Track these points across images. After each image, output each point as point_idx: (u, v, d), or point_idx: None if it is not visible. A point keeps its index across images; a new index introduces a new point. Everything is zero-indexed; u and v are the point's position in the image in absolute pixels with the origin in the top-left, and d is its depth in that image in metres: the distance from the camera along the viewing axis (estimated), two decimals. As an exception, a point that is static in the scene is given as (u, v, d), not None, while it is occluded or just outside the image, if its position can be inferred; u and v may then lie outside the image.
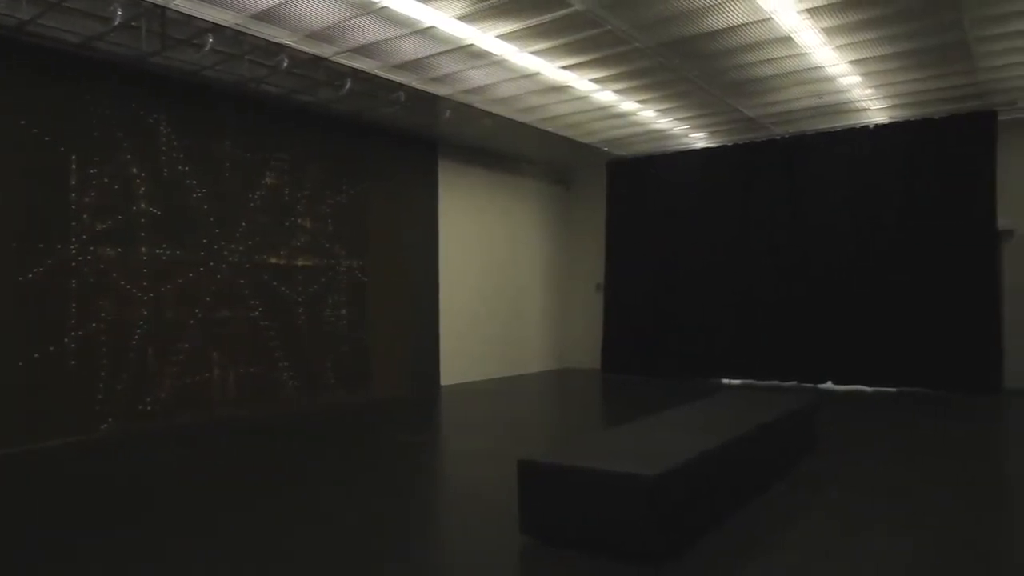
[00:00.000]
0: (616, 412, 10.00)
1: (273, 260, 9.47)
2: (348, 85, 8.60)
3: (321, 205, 10.09)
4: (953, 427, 8.27)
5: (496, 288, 13.28)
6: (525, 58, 8.27)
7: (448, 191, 12.19)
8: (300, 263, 9.79)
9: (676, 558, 3.94)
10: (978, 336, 10.47)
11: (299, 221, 9.81)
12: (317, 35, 7.46)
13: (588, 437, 5.42)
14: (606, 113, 10.74)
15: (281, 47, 7.64)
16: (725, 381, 12.41)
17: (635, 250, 13.63)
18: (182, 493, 5.58)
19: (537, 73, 8.80)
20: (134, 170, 8.09)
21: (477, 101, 9.87)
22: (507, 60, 8.32)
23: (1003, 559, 4.10)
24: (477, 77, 8.92)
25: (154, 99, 8.28)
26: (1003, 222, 10.56)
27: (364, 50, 7.90)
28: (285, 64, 7.89)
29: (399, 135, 11.18)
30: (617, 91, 9.65)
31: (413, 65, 8.42)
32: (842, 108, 10.63)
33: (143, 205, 8.16)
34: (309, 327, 9.86)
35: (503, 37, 7.65)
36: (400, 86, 8.98)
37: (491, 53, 8.08)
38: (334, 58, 8.04)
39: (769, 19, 7.30)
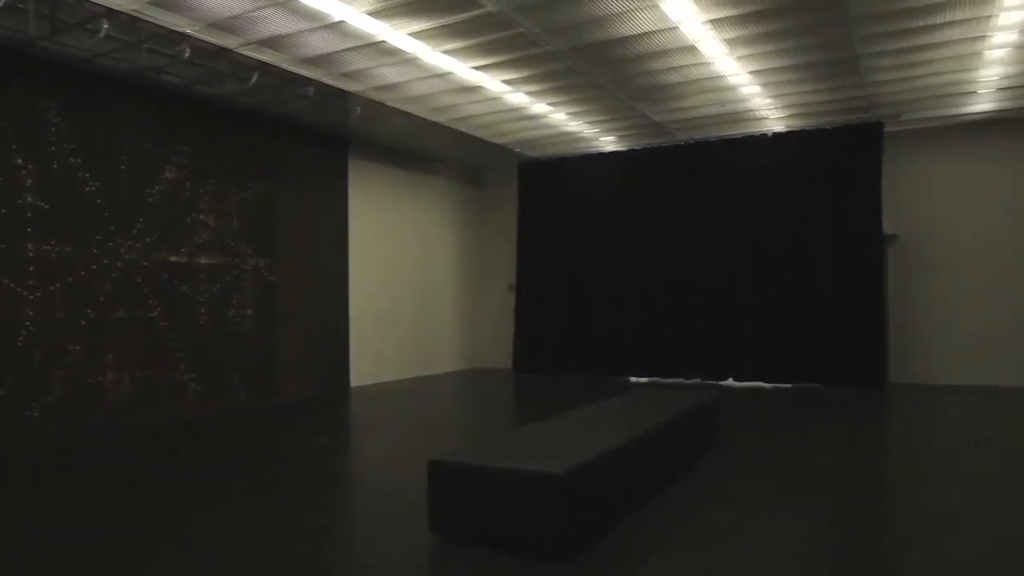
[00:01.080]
0: (527, 411, 10.10)
1: (173, 258, 9.09)
2: (255, 78, 8.36)
3: (225, 201, 9.76)
4: (843, 420, 8.75)
5: (408, 288, 13.18)
6: (437, 57, 8.25)
7: (359, 189, 12.01)
8: (203, 261, 9.44)
9: (586, 554, 4.02)
10: (866, 334, 11.13)
11: (201, 217, 9.46)
12: (221, 25, 7.21)
13: (499, 436, 5.45)
14: (518, 114, 10.83)
15: (183, 36, 7.34)
16: (633, 379, 12.73)
17: (546, 251, 13.82)
18: (68, 505, 5.28)
19: (449, 73, 8.79)
20: (19, 161, 7.61)
21: (389, 99, 9.77)
22: (419, 58, 8.27)
23: (885, 540, 4.38)
24: (389, 74, 8.83)
25: (44, 87, 7.81)
26: (888, 227, 11.26)
27: (271, 43, 7.70)
28: (187, 54, 7.60)
29: (308, 131, 10.94)
30: (529, 93, 9.75)
31: (323, 60, 8.26)
32: (743, 116, 11.08)
33: (30, 199, 7.69)
34: (212, 328, 9.52)
35: (415, 35, 7.60)
36: (309, 81, 8.80)
37: (403, 51, 8.02)
38: (239, 50, 7.79)
39: (675, 28, 7.53)
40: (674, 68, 8.80)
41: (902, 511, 5.09)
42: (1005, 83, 9.48)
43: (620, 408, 6.19)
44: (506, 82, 9.25)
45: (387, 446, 7.46)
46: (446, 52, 8.11)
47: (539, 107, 10.45)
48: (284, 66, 8.34)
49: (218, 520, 4.82)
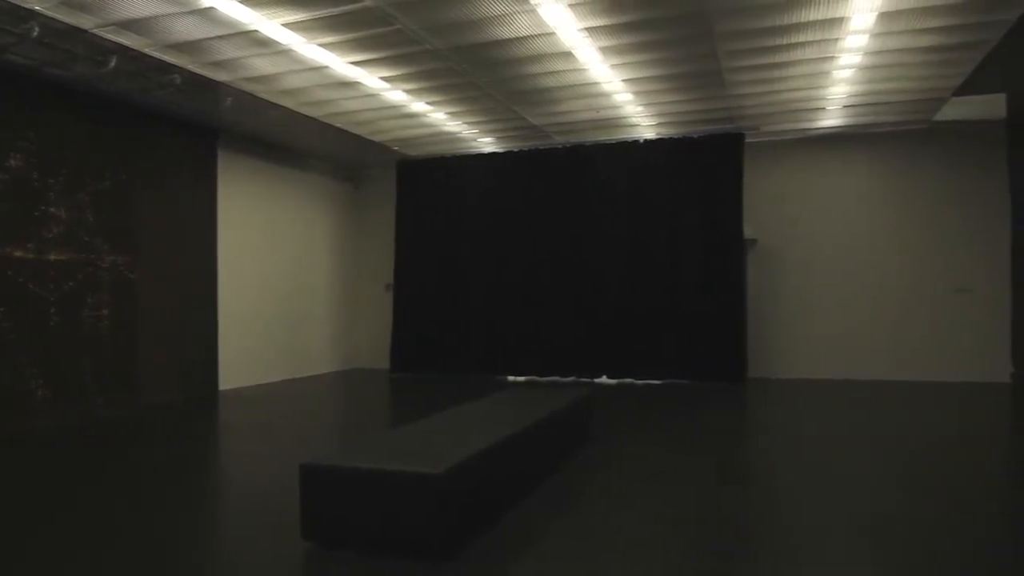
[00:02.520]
0: (404, 412, 10.02)
1: (19, 253, 8.37)
2: (113, 62, 7.84)
3: (79, 193, 9.08)
4: (706, 413, 9.24)
5: (281, 287, 12.76)
6: (313, 50, 8.03)
7: (229, 184, 11.51)
8: (52, 257, 8.75)
9: (461, 553, 4.04)
10: (728, 333, 11.79)
11: (51, 210, 8.76)
12: (74, 3, 6.71)
13: (373, 437, 5.38)
14: (397, 112, 10.72)
15: (31, 13, 6.78)
16: (511, 378, 12.90)
17: (425, 250, 13.75)
18: None
19: (326, 67, 8.58)
20: None
21: (261, 91, 9.42)
22: (294, 50, 8.03)
23: (744, 524, 4.66)
24: (261, 65, 8.51)
25: None
26: (748, 232, 11.98)
27: (133, 25, 7.24)
28: (36, 32, 7.02)
29: (174, 121, 10.37)
30: (408, 91, 9.68)
31: (190, 47, 7.85)
32: (617, 122, 11.46)
33: None
34: (64, 330, 8.84)
35: (289, 26, 7.37)
36: (175, 68, 8.34)
37: (276, 41, 7.75)
38: (96, 31, 7.28)
39: (552, 34, 7.69)
40: (551, 73, 8.99)
41: (759, 496, 5.43)
42: (851, 101, 10.31)
43: (495, 407, 6.26)
44: (384, 79, 9.13)
45: (256, 451, 7.19)
46: (322, 45, 7.91)
47: (418, 106, 10.39)
48: (148, 51, 7.86)
49: (66, 536, 4.48)
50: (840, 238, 12.09)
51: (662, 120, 11.37)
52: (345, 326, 14.60)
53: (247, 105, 9.79)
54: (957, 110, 10.75)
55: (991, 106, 10.74)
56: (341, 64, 8.50)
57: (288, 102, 9.96)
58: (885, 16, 7.30)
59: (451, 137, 12.39)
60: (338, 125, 11.19)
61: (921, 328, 11.64)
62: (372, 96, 9.82)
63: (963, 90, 9.80)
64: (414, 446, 4.58)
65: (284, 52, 8.07)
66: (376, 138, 12.22)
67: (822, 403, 9.90)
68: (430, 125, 11.53)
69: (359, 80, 9.11)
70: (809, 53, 8.36)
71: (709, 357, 11.87)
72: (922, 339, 11.63)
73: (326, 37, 7.69)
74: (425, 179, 13.83)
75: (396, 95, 9.82)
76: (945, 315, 11.54)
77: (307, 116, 10.58)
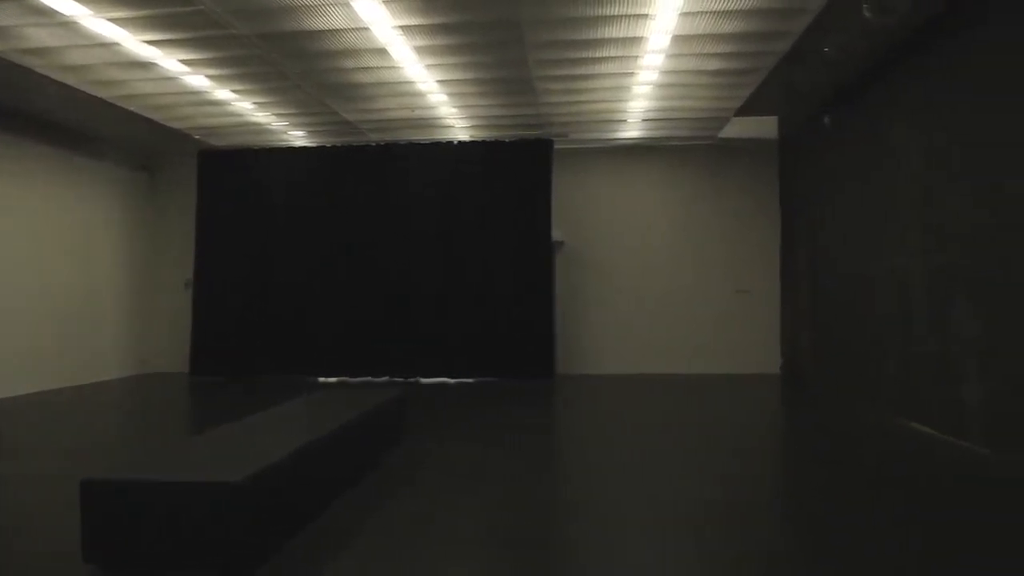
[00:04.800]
0: (202, 418, 9.42)
1: None
2: None
3: None
4: (516, 409, 9.55)
5: (62, 283, 11.49)
6: (101, 24, 7.34)
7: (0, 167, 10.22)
8: None
9: (265, 564, 3.86)
10: (537, 331, 12.24)
11: None
12: None
13: (165, 447, 5.01)
14: (198, 99, 10.06)
15: None
16: (322, 380, 12.52)
17: (229, 246, 12.97)
18: None
19: (116, 43, 7.87)
20: None
21: (39, 65, 8.45)
22: (78, 23, 7.28)
23: (556, 513, 4.87)
24: (40, 37, 7.64)
25: None
26: (556, 234, 12.51)
27: None
28: None
29: (-75, 93, 9.05)
30: (211, 77, 9.12)
31: (-54, 10, 6.89)
32: (432, 123, 11.51)
33: None
34: None
35: (73, -3, 6.69)
36: (-73, 32, 7.28)
37: (58, 11, 6.99)
38: None
39: (367, 29, 7.58)
40: (365, 68, 8.85)
41: (566, 485, 5.70)
42: (648, 115, 11.08)
43: (303, 410, 6.07)
44: (184, 62, 8.53)
45: (28, 469, 6.43)
46: (112, 20, 7.25)
47: (222, 93, 9.82)
48: None
49: None
50: (638, 242, 12.97)
51: (476, 123, 11.57)
52: (139, 326, 13.43)
53: (21, 80, 8.75)
54: (738, 129, 11.91)
55: (765, 127, 12.05)
56: (134, 42, 7.83)
57: (71, 79, 9.00)
58: (678, 39, 7.92)
59: (259, 128, 11.82)
60: (131, 108, 10.29)
61: (707, 326, 12.76)
62: (170, 79, 9.14)
63: (743, 111, 10.88)
64: (211, 454, 4.33)
65: (67, 24, 7.30)
66: (175, 124, 11.38)
67: (622, 396, 10.56)
68: (236, 114, 10.93)
69: (155, 61, 8.45)
70: (612, 68, 8.88)
71: (520, 355, 12.24)
72: (708, 336, 12.74)
73: (116, 11, 7.05)
74: (230, 171, 13.07)
75: (197, 80, 9.21)
76: (727, 314, 12.73)
77: (94, 97, 9.63)
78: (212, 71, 8.90)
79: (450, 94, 9.96)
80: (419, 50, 8.24)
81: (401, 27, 7.55)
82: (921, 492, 5.41)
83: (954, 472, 6.01)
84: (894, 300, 8.28)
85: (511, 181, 12.48)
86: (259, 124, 11.54)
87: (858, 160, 9.32)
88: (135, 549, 3.77)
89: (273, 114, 10.97)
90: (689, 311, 12.83)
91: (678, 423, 8.44)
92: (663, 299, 12.87)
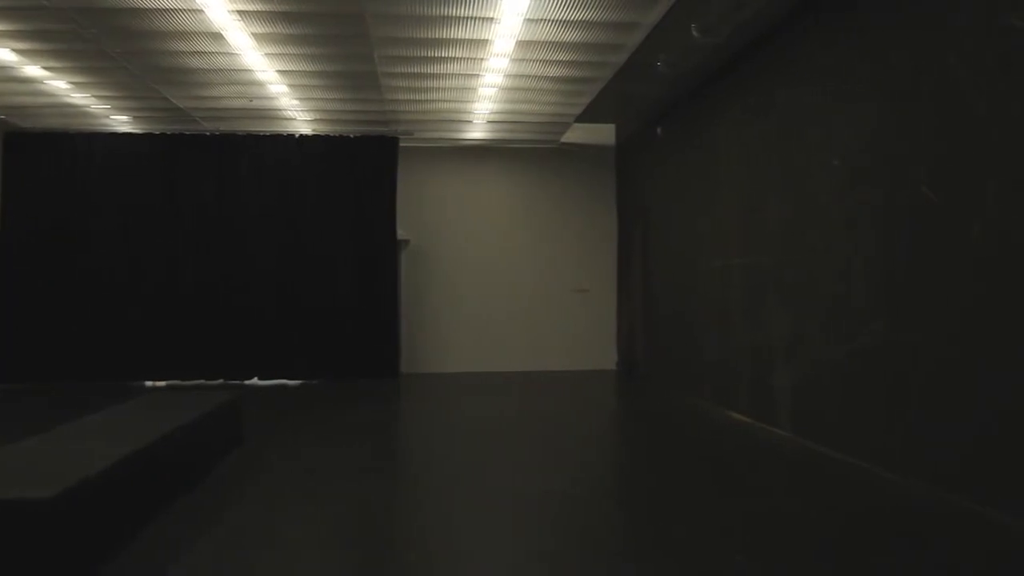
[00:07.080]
0: (6, 430, 8.50)
1: None
2: None
3: None
4: (360, 410, 9.42)
5: None
6: None
7: None
8: None
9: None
10: (381, 330, 12.09)
11: None
12: None
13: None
14: (4, 75, 9.09)
15: None
16: (149, 383, 11.65)
17: (39, 239, 11.72)
18: None
19: (-101, 8, 6.95)
20: None
21: None
22: None
23: (401, 514, 4.84)
24: None
25: None
26: (401, 233, 12.42)
27: None
28: None
29: None
30: (19, 51, 8.26)
31: None
32: (272, 114, 11.07)
33: None
34: None
35: None
36: None
37: None
38: None
39: (201, 11, 7.16)
40: (199, 53, 8.36)
41: (412, 485, 5.70)
42: (493, 117, 11.26)
43: (125, 417, 5.65)
44: (-15, 33, 7.68)
45: None
46: None
47: (32, 70, 8.92)
48: None
49: None
50: (483, 242, 13.15)
51: (319, 117, 11.26)
52: (-75, 327, 11.89)
53: None
54: (579, 134, 12.39)
55: (604, 133, 12.64)
56: (-78, 8, 6.95)
57: None
58: (522, 44, 8.11)
59: (77, 111, 10.84)
60: (-83, 81, 9.13)
61: (548, 324, 13.14)
62: (-32, 52, 8.19)
63: (583, 118, 11.32)
64: (18, 469, 3.93)
65: None
66: (-27, 103, 10.22)
67: (466, 394, 10.70)
68: (49, 94, 9.97)
69: (-51, 30, 7.54)
70: (458, 68, 8.95)
71: (364, 355, 12.03)
72: (549, 334, 13.12)
73: (-101, -29, 6.23)
74: (42, 156, 11.86)
75: (3, 53, 8.31)
76: (567, 312, 13.18)
77: None
78: (20, 45, 8.07)
79: (291, 85, 9.63)
80: (258, 37, 7.89)
81: (238, 12, 7.20)
82: (728, 470, 5.89)
83: (760, 454, 6.59)
84: (716, 298, 8.94)
85: (355, 178, 12.23)
86: (77, 106, 10.59)
87: (687, 168, 9.98)
88: (-80, 578, 3.36)
89: (93, 95, 10.11)
90: (531, 309, 13.16)
91: (519, 419, 8.67)
92: (506, 298, 13.12)
